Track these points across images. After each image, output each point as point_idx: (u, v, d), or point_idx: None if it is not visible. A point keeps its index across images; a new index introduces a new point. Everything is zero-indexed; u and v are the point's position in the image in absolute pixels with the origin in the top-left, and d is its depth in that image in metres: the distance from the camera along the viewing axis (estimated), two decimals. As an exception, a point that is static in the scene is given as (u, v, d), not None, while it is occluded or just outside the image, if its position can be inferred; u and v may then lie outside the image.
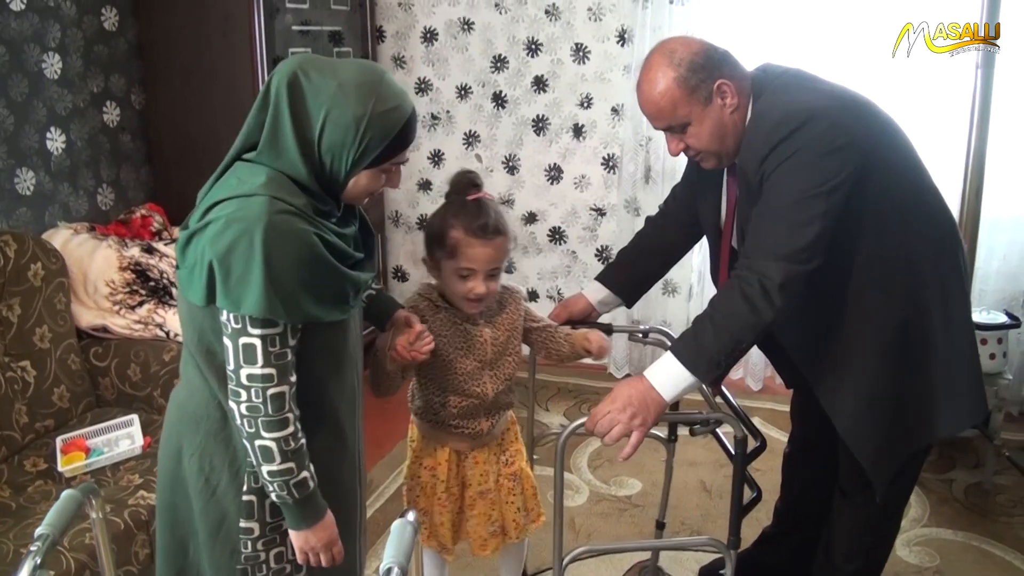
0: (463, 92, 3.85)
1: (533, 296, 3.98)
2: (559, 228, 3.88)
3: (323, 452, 1.47)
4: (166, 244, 2.81)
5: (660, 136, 2.31)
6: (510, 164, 3.86)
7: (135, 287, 2.66)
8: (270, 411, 1.34)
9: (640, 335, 2.19)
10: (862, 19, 3.19)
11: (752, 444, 1.74)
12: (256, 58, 3.02)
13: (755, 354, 3.54)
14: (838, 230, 1.60)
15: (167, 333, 2.62)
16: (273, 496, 1.41)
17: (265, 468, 1.37)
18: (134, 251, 2.71)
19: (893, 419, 1.75)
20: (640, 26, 3.43)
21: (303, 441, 1.39)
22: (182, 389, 1.51)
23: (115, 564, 1.75)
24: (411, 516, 1.26)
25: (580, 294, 2.11)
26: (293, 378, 1.37)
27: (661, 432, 2.08)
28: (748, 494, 1.74)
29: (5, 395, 2.29)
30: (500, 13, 3.71)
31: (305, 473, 1.40)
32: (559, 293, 3.92)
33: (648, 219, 2.17)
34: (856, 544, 1.95)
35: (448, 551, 1.93)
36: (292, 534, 1.46)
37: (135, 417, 2.43)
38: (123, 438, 2.36)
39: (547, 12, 3.65)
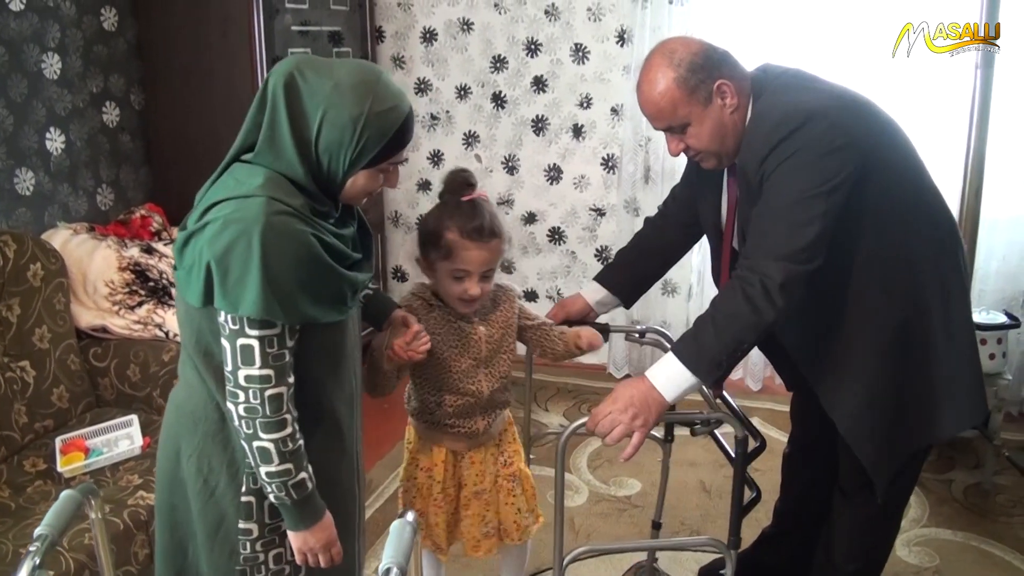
0: (462, 92, 3.85)
1: (532, 296, 3.98)
2: (558, 228, 3.88)
3: (321, 453, 1.47)
4: (165, 244, 2.81)
5: (659, 136, 2.31)
6: (509, 164, 3.86)
7: (134, 287, 2.65)
8: (268, 412, 1.34)
9: (637, 335, 2.19)
10: (862, 19, 3.18)
11: (752, 444, 1.74)
12: (255, 58, 3.02)
13: (755, 354, 3.54)
14: (838, 230, 1.60)
15: (166, 333, 2.62)
16: (271, 497, 1.41)
17: (263, 469, 1.37)
18: (133, 251, 2.71)
19: (894, 419, 1.75)
20: (639, 26, 3.43)
21: (301, 442, 1.39)
22: (180, 390, 1.51)
23: (114, 565, 1.75)
24: (410, 516, 1.26)
25: (578, 294, 2.10)
26: (291, 379, 1.37)
27: (658, 432, 2.08)
28: (748, 494, 1.74)
29: (4, 395, 2.29)
30: (499, 13, 3.71)
31: (303, 474, 1.40)
32: (558, 293, 3.91)
33: (647, 220, 2.17)
34: (856, 544, 1.95)
35: (442, 551, 1.93)
36: (290, 535, 1.46)
37: (134, 417, 2.43)
38: (122, 438, 2.36)
39: (546, 12, 3.65)
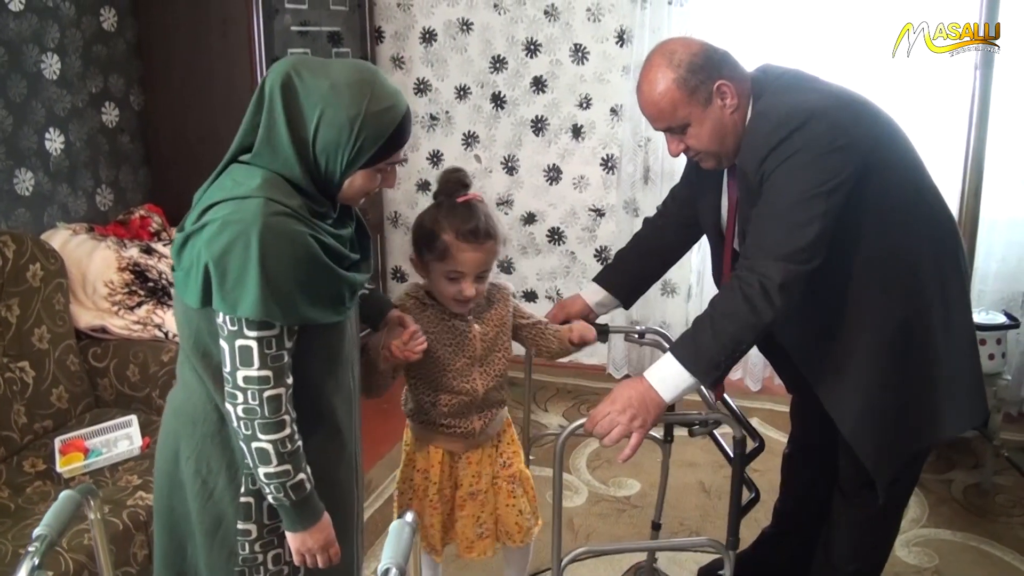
0: (462, 93, 3.85)
1: (532, 297, 3.98)
2: (558, 229, 3.88)
3: (320, 453, 1.47)
4: (165, 245, 2.81)
5: (659, 137, 2.32)
6: (509, 165, 3.85)
7: (134, 288, 2.65)
8: (267, 413, 1.34)
9: (636, 336, 2.19)
10: (862, 19, 3.18)
11: (750, 445, 1.74)
12: (255, 59, 3.01)
13: (754, 355, 3.53)
14: (838, 230, 1.60)
15: (166, 334, 2.62)
16: (270, 498, 1.41)
17: (262, 470, 1.37)
18: (133, 252, 2.70)
19: (894, 419, 1.75)
20: (639, 27, 3.43)
21: (300, 443, 1.39)
22: (179, 391, 1.50)
23: (113, 565, 1.75)
24: (409, 517, 1.26)
25: (577, 295, 2.10)
26: (290, 380, 1.36)
27: (657, 433, 2.08)
28: (747, 495, 1.74)
29: (4, 396, 2.29)
30: (499, 14, 3.71)
31: (302, 475, 1.39)
32: (558, 293, 3.91)
33: (646, 220, 2.17)
34: (856, 545, 1.95)
35: (437, 552, 1.93)
36: (289, 536, 1.46)
37: (134, 418, 2.42)
38: (122, 439, 2.36)
39: (546, 13, 3.65)
